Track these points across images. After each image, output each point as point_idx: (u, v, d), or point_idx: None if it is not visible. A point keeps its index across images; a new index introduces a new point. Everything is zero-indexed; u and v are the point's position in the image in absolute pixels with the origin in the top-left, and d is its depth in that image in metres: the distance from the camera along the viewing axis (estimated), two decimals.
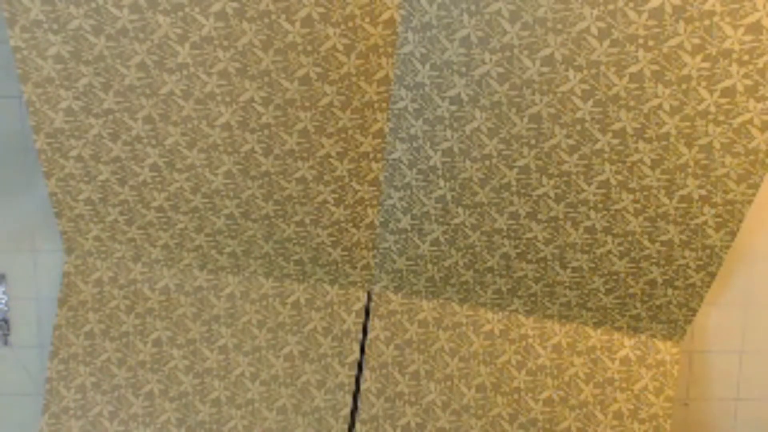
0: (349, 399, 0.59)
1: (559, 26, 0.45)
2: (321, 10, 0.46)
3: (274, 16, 0.47)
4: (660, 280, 0.54)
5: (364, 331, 0.59)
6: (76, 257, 0.58)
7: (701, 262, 0.53)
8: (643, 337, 0.57)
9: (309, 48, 0.48)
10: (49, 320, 0.60)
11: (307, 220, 0.55)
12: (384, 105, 0.50)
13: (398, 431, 0.59)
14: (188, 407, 0.59)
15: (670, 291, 0.54)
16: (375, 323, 0.59)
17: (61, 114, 0.51)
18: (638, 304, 0.55)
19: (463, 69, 0.48)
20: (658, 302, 0.55)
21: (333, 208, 0.55)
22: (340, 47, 0.48)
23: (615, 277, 0.54)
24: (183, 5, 0.47)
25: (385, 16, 0.47)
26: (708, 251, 0.52)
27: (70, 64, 0.49)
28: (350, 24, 0.47)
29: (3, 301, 0.60)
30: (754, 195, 0.50)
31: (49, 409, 0.59)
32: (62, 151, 0.53)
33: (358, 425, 0.59)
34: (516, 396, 0.58)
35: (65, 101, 0.50)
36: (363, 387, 0.59)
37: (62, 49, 0.48)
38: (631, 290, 0.55)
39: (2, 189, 0.58)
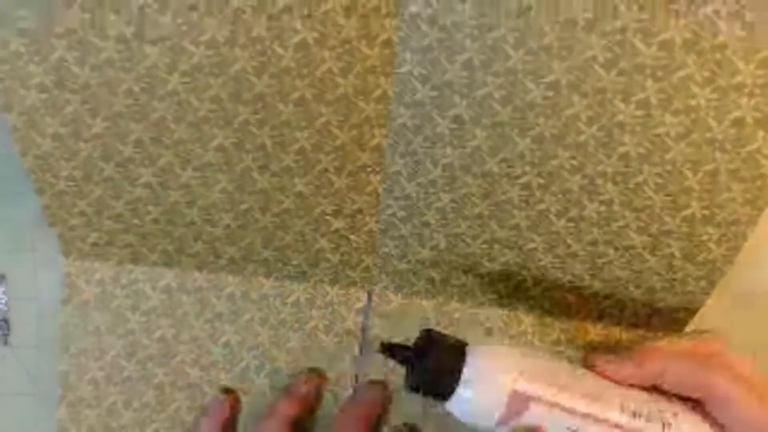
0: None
1: (564, 53, 0.43)
2: (315, 35, 0.44)
3: (267, 42, 0.45)
4: (659, 287, 0.54)
5: (364, 330, 0.59)
6: (76, 258, 0.58)
7: (702, 274, 0.53)
8: (641, 332, 0.57)
9: (304, 71, 0.46)
10: (49, 320, 0.60)
11: (306, 230, 0.54)
12: (382, 121, 0.49)
13: (401, 419, 0.60)
14: (197, 396, 0.60)
15: (669, 296, 0.54)
16: (375, 322, 0.59)
17: (48, 140, 0.49)
18: (637, 306, 0.55)
19: (465, 90, 0.46)
20: (657, 306, 0.55)
21: (331, 219, 0.54)
22: (335, 70, 0.46)
23: (615, 283, 0.54)
24: (171, 35, 0.44)
25: (383, 37, 0.45)
26: (709, 265, 0.52)
27: (54, 93, 0.47)
28: (347, 47, 0.45)
29: (3, 301, 0.60)
30: (758, 216, 0.49)
31: (65, 399, 0.60)
32: (52, 171, 0.51)
33: None
34: None
35: (51, 127, 0.49)
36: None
37: (45, 79, 0.46)
38: (631, 295, 0.55)
39: (1, 188, 0.57)
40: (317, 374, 0.58)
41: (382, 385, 0.57)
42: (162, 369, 0.60)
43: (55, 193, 0.53)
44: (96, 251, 0.57)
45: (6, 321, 0.60)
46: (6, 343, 0.61)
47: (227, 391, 0.58)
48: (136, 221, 0.54)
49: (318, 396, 0.58)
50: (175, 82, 0.46)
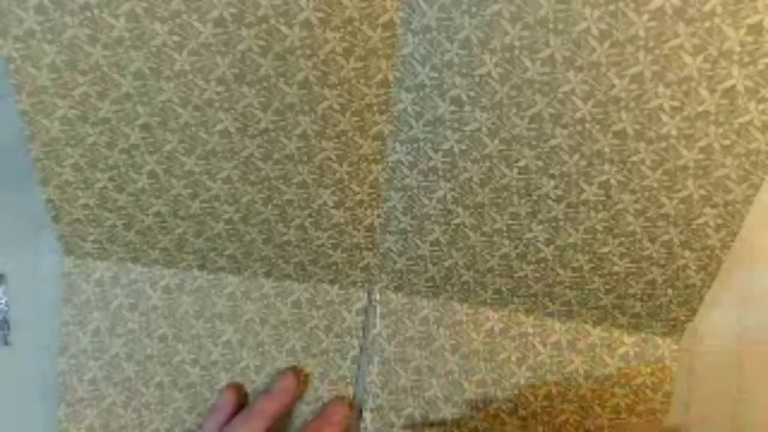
0: (351, 390, 0.60)
1: (560, 26, 0.45)
2: (320, 14, 0.46)
3: (272, 21, 0.46)
4: (660, 280, 0.54)
5: (365, 330, 0.59)
6: (76, 257, 0.58)
7: (701, 263, 0.53)
8: (642, 335, 0.57)
9: (308, 52, 0.47)
10: (49, 320, 0.60)
11: (307, 223, 0.55)
12: (383, 107, 0.50)
13: (402, 420, 0.60)
14: (197, 396, 0.60)
15: (670, 291, 0.54)
16: (376, 321, 0.59)
17: (56, 124, 0.50)
18: (638, 304, 0.55)
19: (464, 70, 0.47)
20: (658, 302, 0.55)
21: (333, 211, 0.54)
22: (339, 50, 0.47)
23: (615, 277, 0.54)
24: (180, 12, 0.46)
25: (384, 18, 0.47)
26: (708, 252, 0.52)
27: (65, 74, 0.48)
28: (349, 28, 0.47)
29: (3, 301, 0.60)
30: (754, 195, 0.50)
31: (65, 399, 0.60)
32: (58, 159, 0.52)
33: (365, 414, 0.60)
34: (516, 391, 0.58)
35: (60, 110, 0.50)
36: (367, 380, 0.59)
37: (57, 59, 0.48)
38: (630, 290, 0.55)
39: (1, 188, 0.57)
40: (293, 371, 0.59)
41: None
42: (162, 368, 0.59)
43: (60, 184, 0.53)
44: (96, 250, 0.57)
45: (6, 321, 0.60)
46: (6, 343, 0.61)
47: (234, 387, 0.58)
48: (138, 215, 0.55)
49: (299, 393, 0.59)
50: (183, 62, 0.48)
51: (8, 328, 0.60)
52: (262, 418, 0.55)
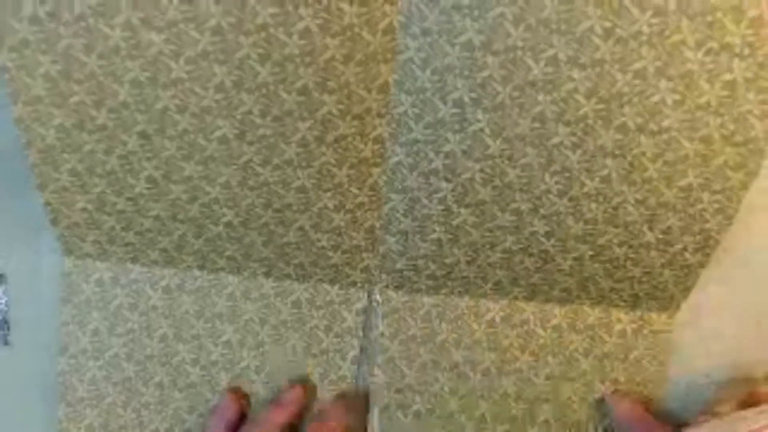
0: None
1: (563, 27, 0.45)
2: (319, 21, 0.45)
3: (271, 29, 0.46)
4: (658, 263, 0.55)
5: (366, 330, 0.59)
6: (76, 258, 0.58)
7: (699, 245, 0.54)
8: (639, 312, 0.58)
9: (307, 59, 0.47)
10: (49, 320, 0.59)
11: (307, 226, 0.55)
12: (383, 111, 0.50)
13: (409, 418, 0.60)
14: (197, 396, 0.60)
15: (667, 271, 0.55)
16: (377, 321, 0.59)
17: (52, 132, 0.50)
18: (636, 286, 0.56)
19: (466, 72, 0.47)
20: (655, 282, 0.56)
21: (333, 214, 0.54)
22: (338, 57, 0.47)
23: (614, 263, 0.55)
24: (177, 22, 0.45)
25: (384, 23, 0.46)
26: (705, 234, 0.53)
27: (60, 83, 0.47)
28: (349, 34, 0.46)
29: (3, 301, 0.59)
30: (752, 181, 0.50)
31: (65, 399, 0.60)
32: (55, 165, 0.51)
33: (370, 415, 0.60)
34: (519, 375, 0.59)
35: (56, 119, 0.49)
36: (372, 381, 0.60)
37: (52, 69, 0.47)
38: (629, 274, 0.56)
39: (1, 188, 0.57)
40: (302, 383, 0.59)
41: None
42: (162, 368, 0.59)
43: (57, 189, 0.53)
44: (96, 250, 0.57)
45: (6, 321, 0.60)
46: (6, 343, 0.60)
47: (235, 391, 0.59)
48: (137, 218, 0.54)
49: (307, 403, 0.59)
50: (180, 70, 0.47)
51: (8, 328, 0.60)
52: (271, 428, 0.56)
